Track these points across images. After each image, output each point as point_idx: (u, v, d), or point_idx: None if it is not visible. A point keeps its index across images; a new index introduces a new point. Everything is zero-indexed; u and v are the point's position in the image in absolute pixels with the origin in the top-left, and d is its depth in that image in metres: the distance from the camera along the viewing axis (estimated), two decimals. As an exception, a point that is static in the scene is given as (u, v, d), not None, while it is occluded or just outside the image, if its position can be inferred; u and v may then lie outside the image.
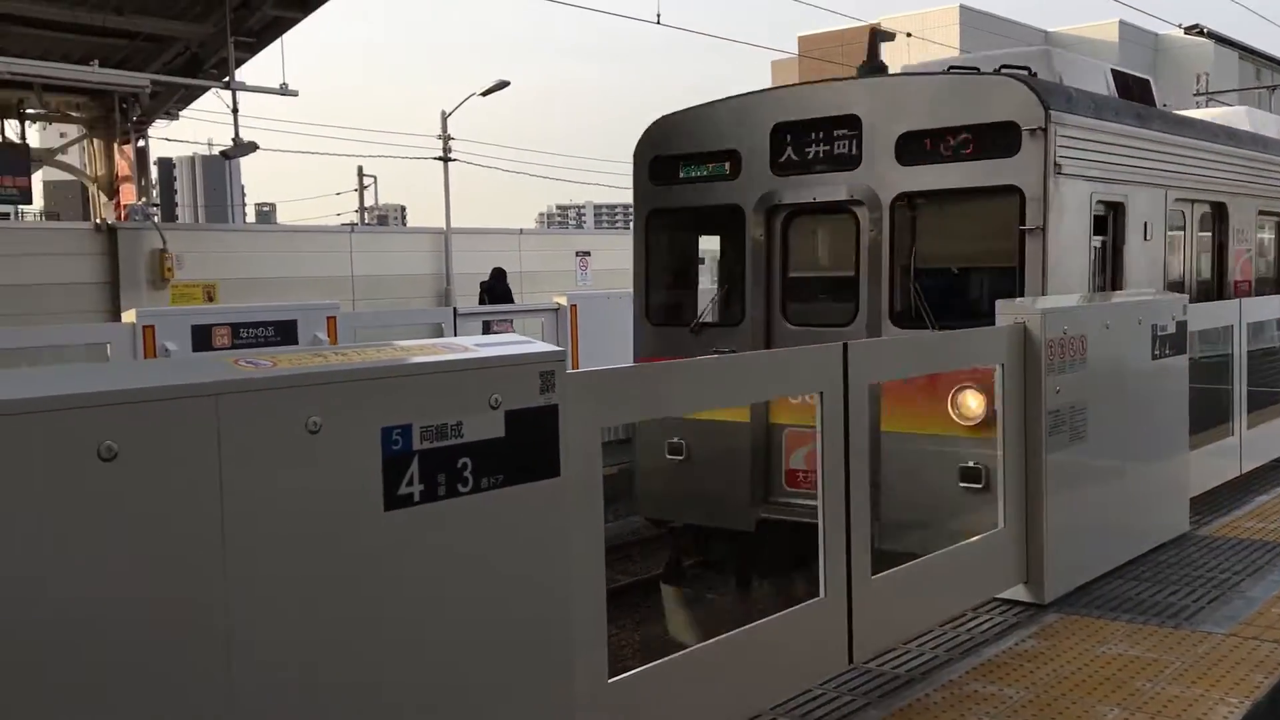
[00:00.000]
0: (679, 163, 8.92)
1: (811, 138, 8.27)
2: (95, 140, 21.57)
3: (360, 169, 40.09)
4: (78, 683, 2.38)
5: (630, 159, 9.20)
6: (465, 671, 3.14)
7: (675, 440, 8.54)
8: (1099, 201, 7.93)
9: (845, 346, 4.59)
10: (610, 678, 3.67)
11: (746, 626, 4.18)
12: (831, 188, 8.20)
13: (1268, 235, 11.54)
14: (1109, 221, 8.20)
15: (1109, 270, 8.26)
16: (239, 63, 20.37)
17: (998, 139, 7.47)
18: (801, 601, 4.41)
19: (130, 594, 2.45)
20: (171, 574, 2.52)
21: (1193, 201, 9.50)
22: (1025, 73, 7.90)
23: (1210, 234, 10.04)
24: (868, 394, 4.69)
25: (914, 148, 7.83)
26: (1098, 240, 8.04)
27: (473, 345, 3.34)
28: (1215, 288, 10.26)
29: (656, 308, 9.27)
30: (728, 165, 8.68)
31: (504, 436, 3.21)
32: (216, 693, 2.60)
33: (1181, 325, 6.90)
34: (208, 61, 20.75)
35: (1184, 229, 9.42)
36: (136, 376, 2.63)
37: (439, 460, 3.06)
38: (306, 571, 2.78)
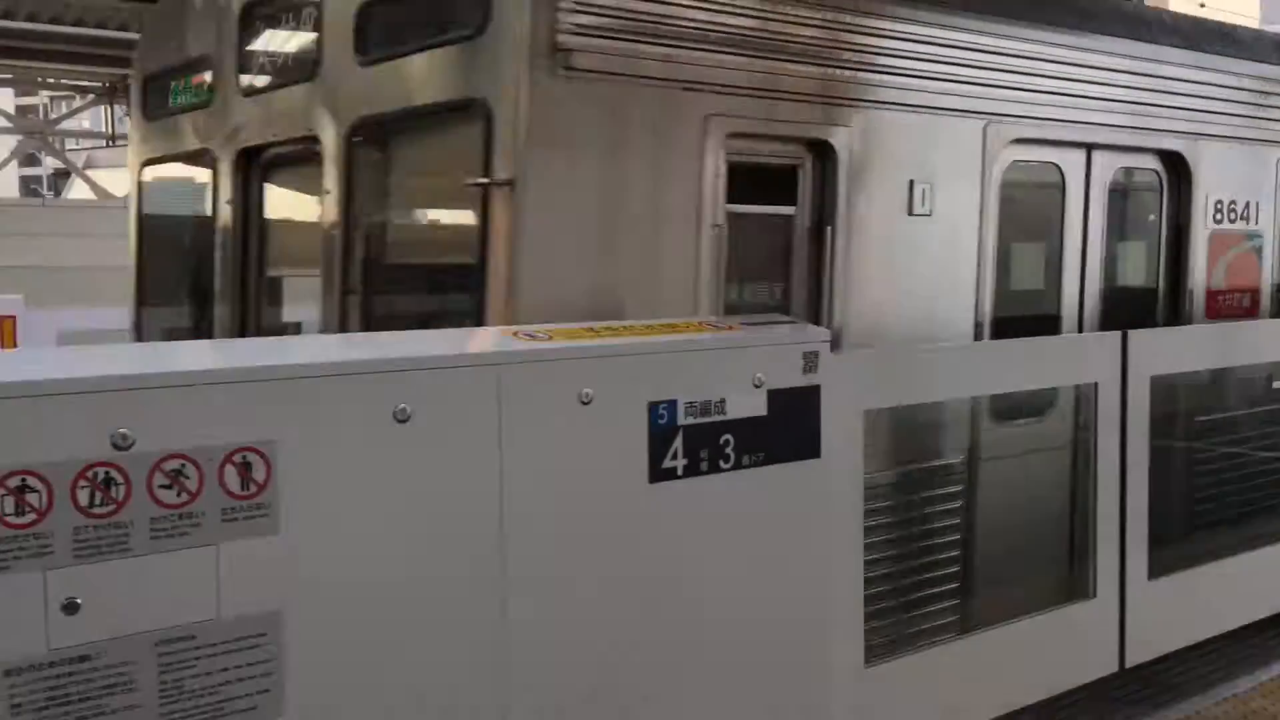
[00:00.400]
0: (169, 83, 5.40)
1: (281, 25, 4.75)
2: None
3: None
4: (372, 619, 2.58)
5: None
6: (719, 646, 3.19)
7: None
8: (743, 136, 3.99)
9: (1125, 334, 4.36)
10: (867, 665, 3.65)
11: (1012, 622, 4.05)
12: (290, 116, 4.61)
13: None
14: (801, 177, 4.24)
15: (798, 269, 4.27)
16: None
17: (461, 6, 3.82)
18: None
19: (417, 543, 2.64)
20: (454, 527, 2.69)
21: (1087, 148, 5.21)
22: None
23: (1148, 209, 5.69)
24: (1148, 387, 4.44)
25: (376, 30, 4.23)
26: (771, 212, 4.21)
27: (738, 324, 3.38)
28: (1163, 303, 5.60)
29: (156, 319, 5.66)
30: (207, 82, 5.14)
31: (766, 415, 3.23)
32: (493, 638, 2.76)
33: None
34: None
35: (1064, 196, 5.18)
36: (429, 347, 2.81)
37: (702, 436, 3.12)
38: (574, 535, 2.90)
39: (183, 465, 2.30)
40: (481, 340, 2.94)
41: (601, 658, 2.96)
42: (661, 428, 3.04)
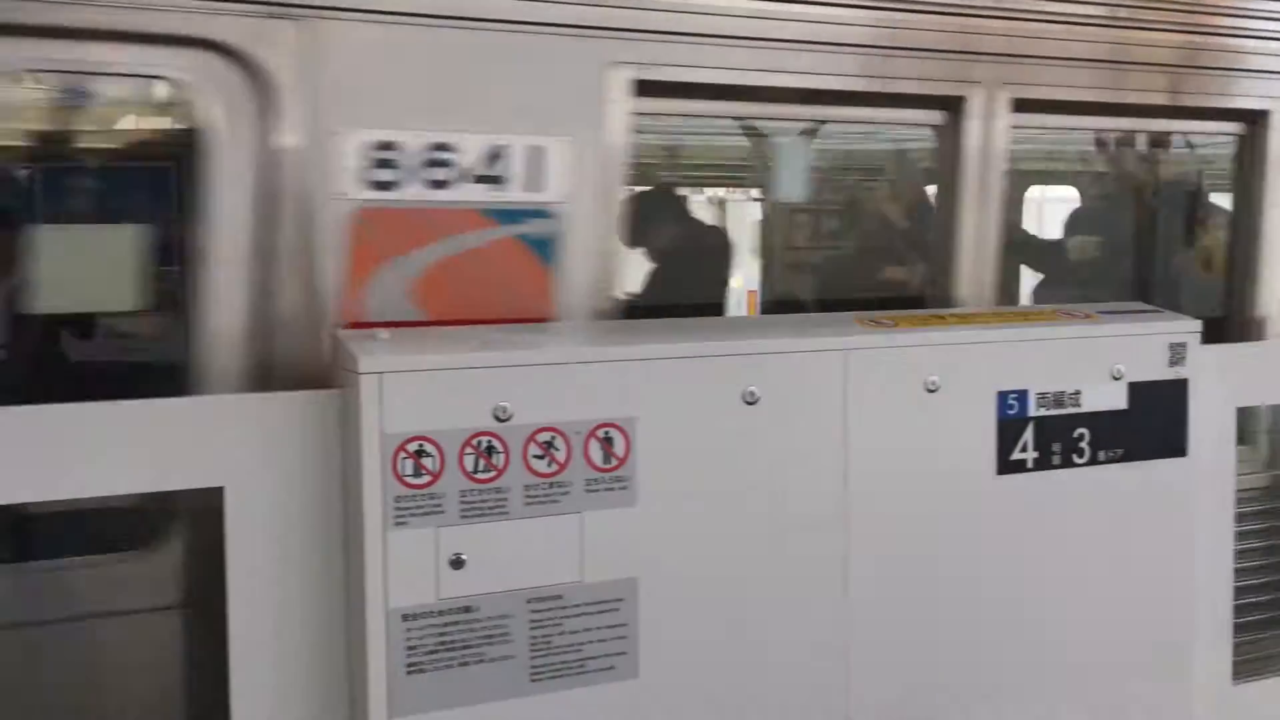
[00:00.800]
0: None
1: None
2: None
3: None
4: (718, 591, 2.69)
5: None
6: (1066, 650, 3.07)
7: None
8: None
9: None
10: (1235, 682, 3.39)
11: None
12: None
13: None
14: None
15: None
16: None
17: None
18: None
19: (762, 520, 2.72)
20: (798, 507, 2.76)
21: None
22: None
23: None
24: None
25: None
26: None
27: (1096, 313, 3.24)
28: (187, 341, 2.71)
29: None
30: None
31: (1125, 409, 3.08)
32: (833, 616, 2.81)
33: None
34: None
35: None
36: (778, 333, 2.89)
37: (1054, 428, 3.01)
38: (917, 521, 2.89)
39: (553, 438, 2.50)
40: (829, 327, 2.98)
41: (941, 647, 2.94)
42: (1011, 418, 2.97)
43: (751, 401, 2.68)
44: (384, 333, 2.57)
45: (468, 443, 2.42)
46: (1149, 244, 4.62)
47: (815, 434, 2.77)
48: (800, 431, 2.76)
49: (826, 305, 4.14)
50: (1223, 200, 4.33)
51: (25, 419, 2.34)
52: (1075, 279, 4.84)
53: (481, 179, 2.78)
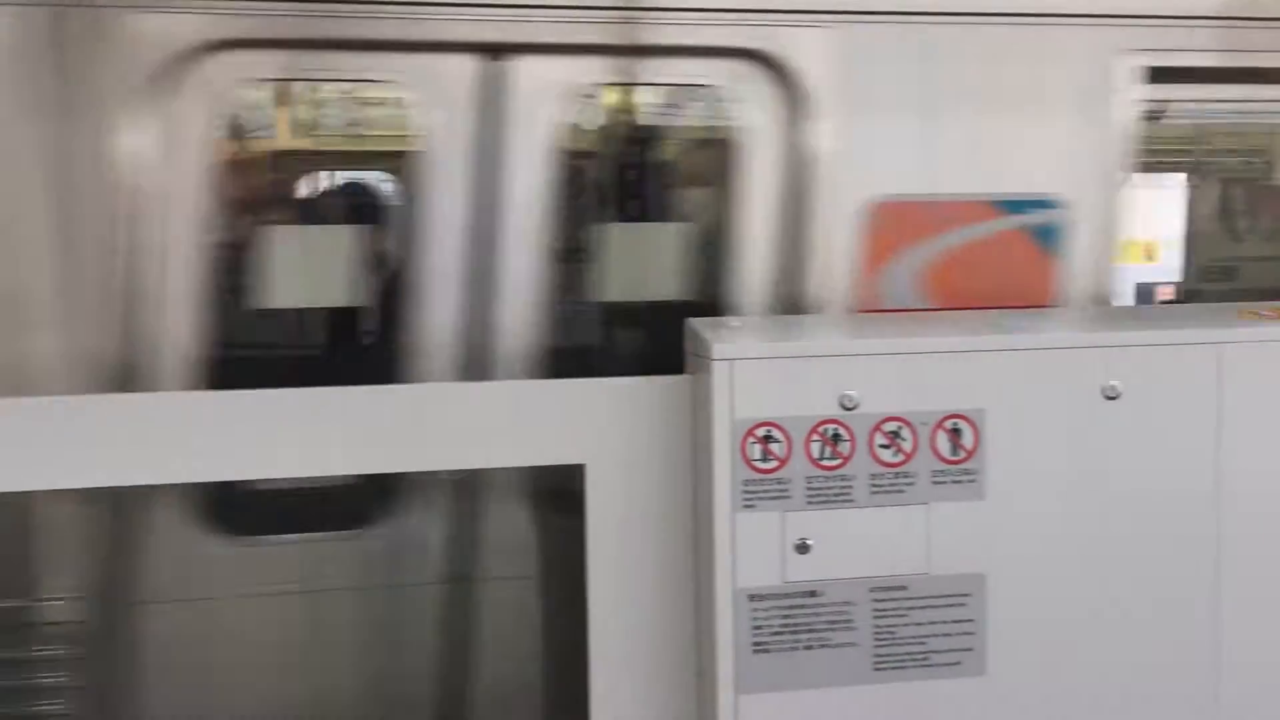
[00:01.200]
0: None
1: None
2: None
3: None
4: (1072, 591, 2.58)
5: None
6: None
7: None
8: None
9: None
10: None
11: None
12: None
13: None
14: None
15: None
16: None
17: None
18: None
19: (1121, 519, 2.59)
20: (1162, 507, 2.61)
21: None
22: None
23: None
24: None
25: None
26: None
27: None
28: None
29: None
30: None
31: None
32: (1200, 620, 2.64)
33: None
34: None
35: None
36: (1143, 325, 2.74)
37: None
38: None
39: (900, 428, 2.49)
40: (1200, 319, 2.79)
41: None
42: None
43: (1112, 396, 2.56)
44: (735, 320, 2.65)
45: (814, 430, 2.46)
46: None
47: (1184, 433, 2.60)
48: (1167, 430, 2.60)
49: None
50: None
51: (408, 396, 2.61)
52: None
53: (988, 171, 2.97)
